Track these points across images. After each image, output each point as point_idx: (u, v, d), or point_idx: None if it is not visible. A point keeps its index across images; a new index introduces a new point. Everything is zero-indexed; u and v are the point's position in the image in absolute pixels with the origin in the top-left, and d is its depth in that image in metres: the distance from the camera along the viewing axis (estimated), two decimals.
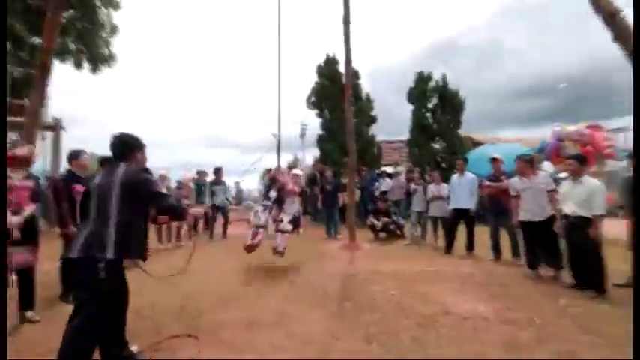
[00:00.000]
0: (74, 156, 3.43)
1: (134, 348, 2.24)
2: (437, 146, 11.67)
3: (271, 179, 5.15)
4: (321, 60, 12.01)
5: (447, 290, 3.61)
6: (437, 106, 11.59)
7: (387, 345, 2.39)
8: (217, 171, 7.96)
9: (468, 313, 2.93)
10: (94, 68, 11.89)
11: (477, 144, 12.57)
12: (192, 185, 7.48)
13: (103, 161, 3.27)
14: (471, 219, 5.35)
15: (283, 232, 4.50)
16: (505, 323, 2.74)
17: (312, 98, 12.22)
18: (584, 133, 7.71)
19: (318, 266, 4.76)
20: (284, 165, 11.42)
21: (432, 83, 11.80)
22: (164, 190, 2.24)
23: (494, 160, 5.17)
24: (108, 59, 11.94)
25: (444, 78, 11.66)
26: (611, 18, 3.22)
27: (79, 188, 3.25)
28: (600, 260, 3.44)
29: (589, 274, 3.50)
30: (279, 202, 4.70)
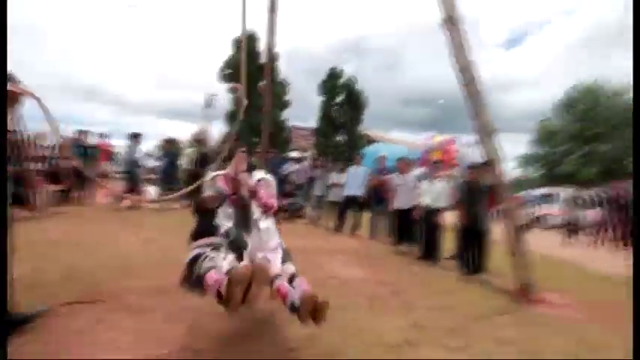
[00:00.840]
0: None
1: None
2: (339, 138, 12.95)
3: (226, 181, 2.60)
4: (238, 33, 11.67)
5: (337, 261, 4.45)
6: (344, 102, 12.79)
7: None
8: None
9: (349, 277, 3.78)
10: None
11: (371, 141, 14.44)
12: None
13: None
14: (359, 205, 6.46)
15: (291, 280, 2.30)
16: (374, 284, 3.68)
17: (226, 71, 11.78)
18: (443, 144, 10.11)
19: None
20: (186, 135, 10.76)
21: (343, 79, 12.91)
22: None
23: (380, 158, 6.39)
24: None
25: (354, 78, 12.93)
26: (451, 23, 3.19)
27: None
28: (439, 240, 4.83)
29: (431, 249, 4.86)
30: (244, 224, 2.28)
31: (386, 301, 3.18)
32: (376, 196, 6.23)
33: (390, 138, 16.85)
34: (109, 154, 11.24)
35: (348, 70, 12.68)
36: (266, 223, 2.30)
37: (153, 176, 10.49)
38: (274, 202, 2.42)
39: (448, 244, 5.08)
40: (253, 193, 2.34)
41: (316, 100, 12.18)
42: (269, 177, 2.55)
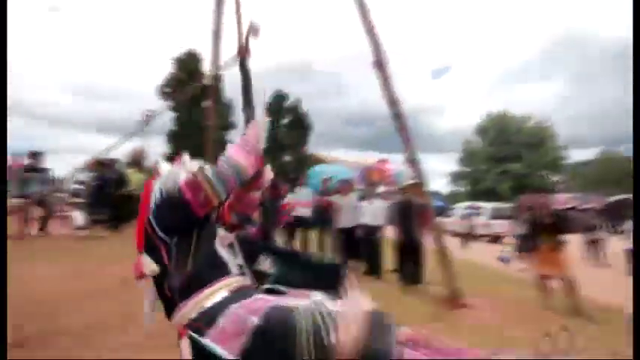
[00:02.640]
0: None
1: None
2: (286, 159, 13.18)
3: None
4: (179, 51, 11.45)
5: None
6: (290, 124, 13.15)
7: None
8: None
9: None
10: None
11: (319, 161, 14.90)
12: None
13: None
14: (306, 224, 6.61)
15: None
16: None
17: (166, 89, 11.37)
18: (375, 166, 10.97)
19: None
20: (119, 155, 9.95)
21: (288, 102, 13.33)
22: None
23: (324, 180, 6.70)
24: None
25: (299, 101, 13.43)
26: (380, 68, 3.63)
27: None
28: (380, 255, 5.19)
29: (374, 264, 5.18)
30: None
31: None
32: (321, 217, 6.46)
33: (335, 158, 17.54)
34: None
35: (293, 91, 13.16)
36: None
37: (78, 200, 9.43)
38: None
39: (392, 258, 5.47)
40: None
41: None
42: None
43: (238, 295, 1.03)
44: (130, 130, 7.76)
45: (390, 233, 5.83)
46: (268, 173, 1.40)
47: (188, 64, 11.26)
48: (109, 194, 7.74)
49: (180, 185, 1.13)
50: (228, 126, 11.55)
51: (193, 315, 1.00)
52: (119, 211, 7.49)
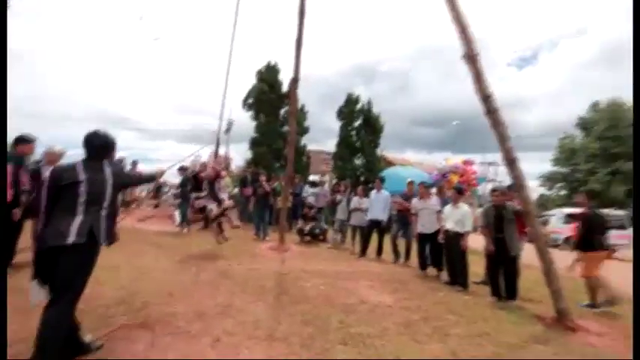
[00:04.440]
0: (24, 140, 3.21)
1: (88, 337, 2.38)
2: (358, 162, 13.16)
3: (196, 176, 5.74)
4: (260, 64, 12.46)
5: (362, 285, 4.48)
6: (361, 126, 13.10)
7: (319, 326, 3.04)
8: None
9: (378, 302, 3.81)
10: None
11: (389, 163, 14.56)
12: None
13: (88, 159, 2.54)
14: (382, 229, 6.50)
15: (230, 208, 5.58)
16: (402, 309, 3.68)
17: (249, 100, 12.41)
18: (460, 167, 10.09)
19: (253, 265, 5.18)
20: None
21: (359, 105, 13.31)
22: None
23: (409, 183, 6.47)
24: None
25: (369, 103, 13.30)
26: (471, 62, 3.42)
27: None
28: (466, 264, 4.80)
29: (458, 274, 4.82)
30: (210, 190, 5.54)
31: (418, 328, 3.19)
32: (400, 221, 6.27)
33: (406, 159, 16.95)
34: None
35: (359, 92, 13.14)
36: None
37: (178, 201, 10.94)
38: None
39: (477, 268, 5.02)
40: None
41: (329, 123, 12.62)
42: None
43: None
44: (214, 140, 8.69)
45: (473, 242, 5.37)
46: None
47: (268, 76, 12.13)
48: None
49: None
50: (303, 130, 12.11)
51: None
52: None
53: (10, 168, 3.36)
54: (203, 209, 5.41)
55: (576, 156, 26.87)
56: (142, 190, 12.08)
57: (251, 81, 12.34)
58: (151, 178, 2.85)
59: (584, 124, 27.46)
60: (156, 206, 11.15)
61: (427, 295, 4.28)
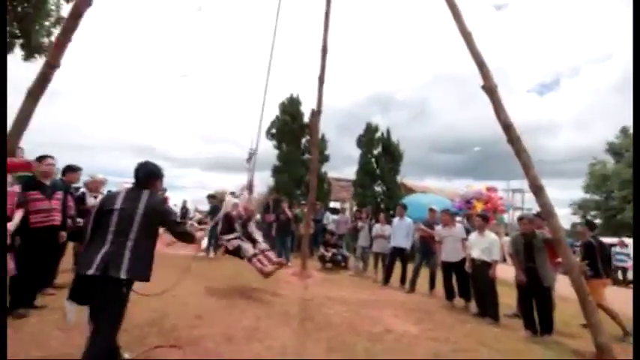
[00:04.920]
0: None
1: (126, 355, 2.50)
2: (378, 189, 13.19)
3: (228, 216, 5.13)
4: (282, 96, 13.19)
5: (387, 314, 4.40)
6: (380, 154, 13.27)
7: (345, 354, 3.02)
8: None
9: (404, 332, 3.73)
10: (28, 55, 10.88)
11: (409, 190, 14.46)
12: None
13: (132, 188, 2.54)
14: (405, 257, 6.41)
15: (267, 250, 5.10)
16: (429, 340, 3.58)
17: (272, 131, 12.98)
18: (484, 193, 9.87)
19: (277, 291, 5.22)
20: (236, 189, 11.60)
21: (378, 134, 13.57)
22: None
23: (431, 210, 6.40)
24: (46, 49, 11.00)
25: (388, 131, 13.55)
26: (490, 94, 3.60)
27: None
28: (495, 295, 4.62)
29: (487, 305, 4.63)
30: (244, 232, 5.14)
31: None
32: (423, 247, 6.18)
33: (426, 187, 16.75)
34: None
35: (377, 121, 13.46)
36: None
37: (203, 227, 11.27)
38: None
39: (508, 300, 4.83)
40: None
41: (348, 150, 12.97)
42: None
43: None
44: (238, 168, 9.08)
45: (502, 272, 5.18)
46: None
47: (291, 108, 12.75)
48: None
49: None
50: (324, 158, 12.40)
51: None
52: None
53: (59, 194, 3.69)
54: (237, 250, 4.86)
55: (609, 183, 25.60)
56: None
57: (274, 112, 13.02)
58: (187, 235, 2.40)
59: (615, 150, 26.37)
60: None
61: (455, 327, 4.13)
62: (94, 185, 5.14)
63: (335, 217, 9.86)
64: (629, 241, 12.34)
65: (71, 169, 4.45)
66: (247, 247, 4.83)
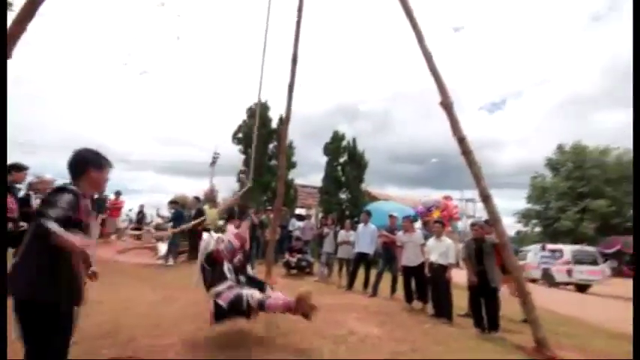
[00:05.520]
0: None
1: None
2: (343, 196, 13.50)
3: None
4: (249, 101, 13.13)
5: (351, 317, 4.52)
6: (346, 162, 13.65)
7: (311, 357, 3.07)
8: None
9: (367, 334, 3.87)
10: None
11: (372, 197, 14.96)
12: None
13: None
14: (369, 262, 6.62)
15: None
16: (391, 340, 3.76)
17: (239, 135, 12.80)
18: (441, 201, 10.59)
19: None
20: (198, 193, 11.21)
21: (344, 142, 13.96)
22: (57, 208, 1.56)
23: (391, 217, 6.70)
24: None
25: (354, 140, 14.00)
26: (447, 110, 3.86)
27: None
28: (450, 297, 4.96)
29: (443, 307, 4.95)
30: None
31: (407, 358, 3.27)
32: (386, 254, 6.43)
33: (389, 195, 17.43)
34: (119, 211, 11.63)
35: (343, 129, 13.92)
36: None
37: (162, 233, 10.73)
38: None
39: (461, 302, 5.18)
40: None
41: (313, 158, 13.29)
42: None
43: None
44: (199, 171, 8.86)
45: (456, 276, 5.56)
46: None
47: (259, 113, 12.71)
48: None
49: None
50: (291, 165, 12.46)
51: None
52: (196, 244, 8.33)
53: None
54: (238, 303, 3.04)
55: (547, 194, 28.39)
56: (123, 221, 11.80)
57: (240, 116, 12.88)
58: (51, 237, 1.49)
59: (552, 165, 29.38)
60: (138, 238, 10.85)
61: (414, 328, 4.36)
62: (42, 186, 4.74)
63: (300, 223, 9.90)
64: (551, 246, 14.12)
65: (16, 168, 4.09)
66: (250, 292, 3.17)
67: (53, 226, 1.46)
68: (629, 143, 24.96)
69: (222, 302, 3.02)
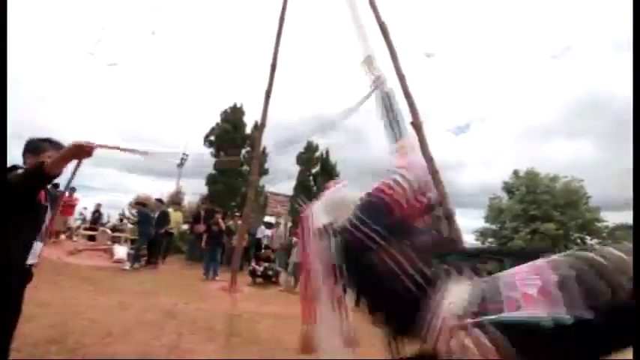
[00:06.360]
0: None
1: None
2: None
3: None
4: (224, 104, 12.91)
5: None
6: (318, 172, 13.78)
7: None
8: None
9: None
10: None
11: None
12: None
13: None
14: None
15: None
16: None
17: (211, 138, 12.51)
18: None
19: (203, 306, 4.94)
20: (162, 195, 10.70)
21: (318, 153, 14.13)
22: None
23: None
24: None
25: (327, 152, 14.23)
26: (417, 130, 4.12)
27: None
28: None
29: None
30: None
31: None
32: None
33: None
34: (72, 209, 10.81)
35: (316, 140, 14.04)
36: None
37: (120, 235, 10.08)
38: None
39: None
40: None
41: (285, 166, 13.35)
42: None
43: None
44: (165, 173, 8.53)
45: None
46: None
47: (233, 117, 12.50)
48: (150, 231, 8.25)
49: None
50: (263, 172, 12.32)
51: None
52: (159, 247, 7.94)
53: None
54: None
55: (503, 215, 30.46)
56: (76, 220, 10.95)
57: (213, 119, 12.63)
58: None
59: (508, 188, 31.66)
60: (91, 239, 10.10)
61: (377, 335, 4.44)
62: None
63: (269, 231, 9.78)
64: None
65: None
66: None
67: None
68: (577, 173, 27.87)
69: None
